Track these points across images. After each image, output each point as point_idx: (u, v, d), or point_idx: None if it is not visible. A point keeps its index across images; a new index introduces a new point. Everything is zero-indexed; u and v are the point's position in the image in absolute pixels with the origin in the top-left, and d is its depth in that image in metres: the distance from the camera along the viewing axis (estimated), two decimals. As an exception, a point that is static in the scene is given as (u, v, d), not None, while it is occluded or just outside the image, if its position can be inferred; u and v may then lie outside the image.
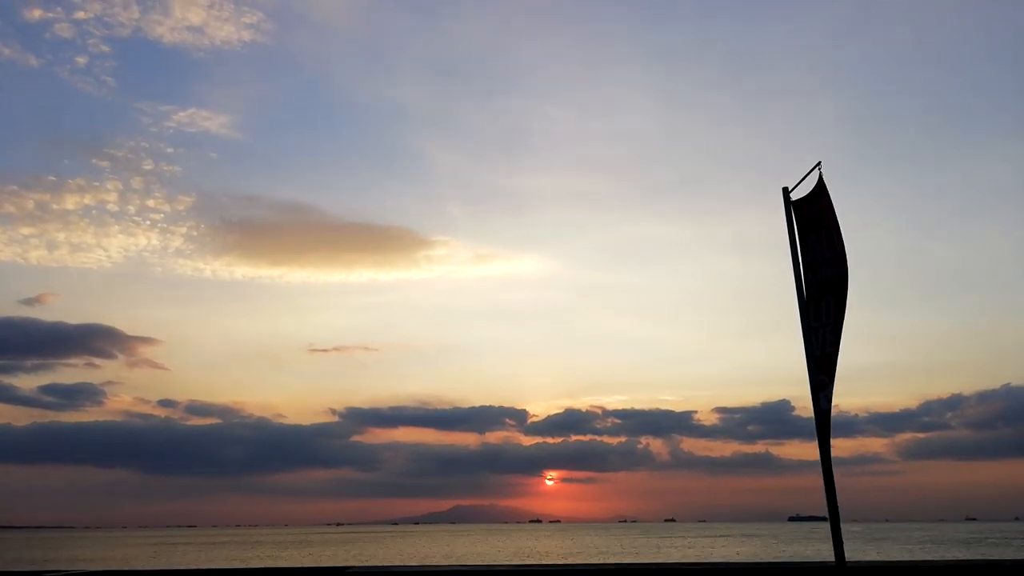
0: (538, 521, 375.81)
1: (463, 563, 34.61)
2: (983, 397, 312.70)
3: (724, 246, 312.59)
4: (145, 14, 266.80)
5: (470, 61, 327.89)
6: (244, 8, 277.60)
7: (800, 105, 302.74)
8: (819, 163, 6.39)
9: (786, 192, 6.78)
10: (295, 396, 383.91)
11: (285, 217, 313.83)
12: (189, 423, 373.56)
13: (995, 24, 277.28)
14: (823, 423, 6.23)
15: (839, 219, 6.29)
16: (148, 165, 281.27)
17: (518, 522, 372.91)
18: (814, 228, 6.44)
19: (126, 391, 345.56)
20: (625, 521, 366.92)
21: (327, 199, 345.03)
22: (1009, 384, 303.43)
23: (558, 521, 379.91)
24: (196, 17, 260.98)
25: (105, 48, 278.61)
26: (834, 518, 6.04)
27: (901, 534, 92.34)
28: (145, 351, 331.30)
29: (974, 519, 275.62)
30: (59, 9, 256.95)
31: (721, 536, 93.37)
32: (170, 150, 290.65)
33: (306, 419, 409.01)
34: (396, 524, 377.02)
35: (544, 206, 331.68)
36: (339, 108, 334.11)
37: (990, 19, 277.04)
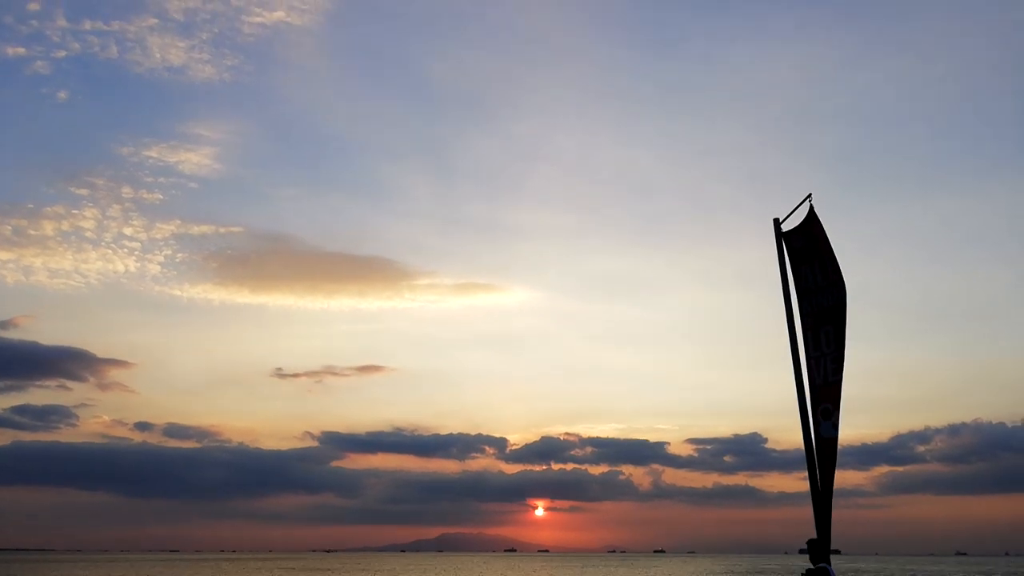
0: (546, 551, 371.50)
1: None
2: (954, 431, 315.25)
3: (703, 279, 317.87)
4: (124, 54, 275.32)
5: (454, 94, 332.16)
6: (224, 51, 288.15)
7: (795, 136, 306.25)
8: (809, 195, 6.55)
9: (777, 223, 6.90)
10: (270, 421, 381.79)
11: (265, 246, 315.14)
12: (168, 446, 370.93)
13: (999, 55, 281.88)
14: (826, 451, 6.30)
15: (836, 250, 6.43)
16: (128, 193, 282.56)
17: (507, 550, 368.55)
18: (806, 259, 6.55)
19: (99, 413, 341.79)
20: (615, 551, 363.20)
21: (308, 230, 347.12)
22: (979, 419, 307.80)
23: (546, 551, 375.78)
24: (176, 59, 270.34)
25: (85, 84, 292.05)
26: (824, 541, 6.11)
27: (924, 567, 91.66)
28: (117, 374, 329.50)
29: (964, 554, 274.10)
30: (39, 48, 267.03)
31: (732, 571, 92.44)
32: (149, 179, 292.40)
33: (283, 444, 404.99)
34: (383, 551, 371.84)
35: (525, 237, 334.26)
36: (320, 141, 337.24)
37: (994, 50, 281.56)
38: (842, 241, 6.36)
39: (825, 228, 6.46)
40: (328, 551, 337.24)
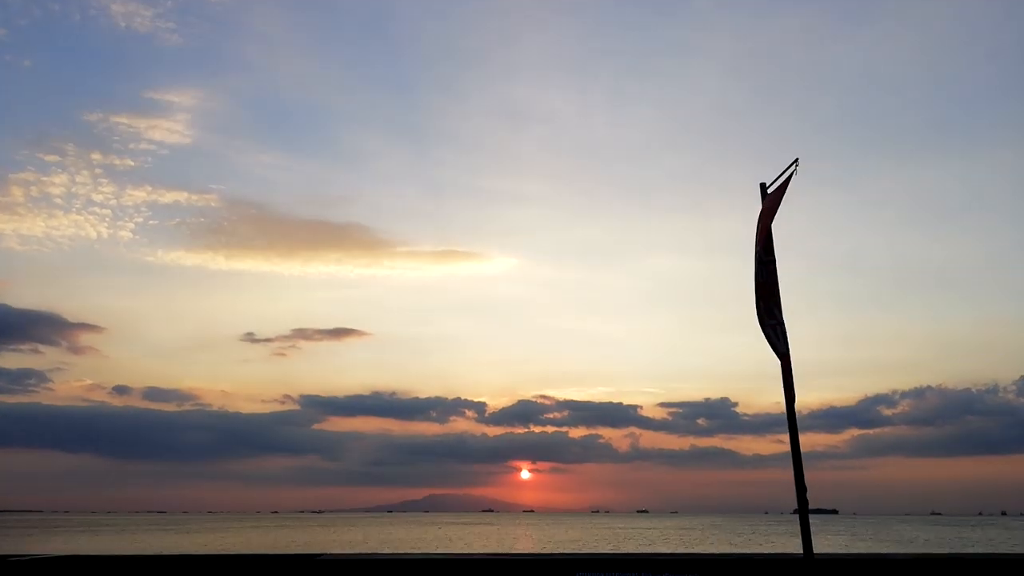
0: (531, 511, 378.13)
1: (441, 551, 34.63)
2: (919, 394, 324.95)
3: (678, 246, 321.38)
4: (87, 22, 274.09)
5: (430, 60, 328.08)
6: (191, 18, 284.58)
7: (783, 105, 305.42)
8: (796, 160, 6.42)
9: (763, 188, 6.80)
10: (246, 385, 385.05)
11: (239, 213, 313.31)
12: (150, 409, 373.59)
13: (990, 26, 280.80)
14: (792, 418, 6.30)
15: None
16: (97, 159, 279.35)
17: (484, 511, 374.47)
18: (764, 226, 6.52)
19: (74, 377, 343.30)
20: (598, 512, 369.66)
21: (283, 197, 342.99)
22: (943, 384, 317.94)
23: (532, 511, 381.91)
24: (141, 27, 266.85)
25: (50, 52, 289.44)
26: (803, 510, 6.13)
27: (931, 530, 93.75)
28: (88, 338, 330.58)
29: (939, 514, 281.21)
30: (1, 15, 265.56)
31: (742, 532, 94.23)
32: (119, 146, 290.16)
33: (263, 407, 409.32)
34: (370, 512, 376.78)
35: (505, 204, 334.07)
36: (294, 107, 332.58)
37: (986, 21, 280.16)
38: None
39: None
40: (319, 511, 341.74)
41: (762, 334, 6.26)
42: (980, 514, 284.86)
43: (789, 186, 6.34)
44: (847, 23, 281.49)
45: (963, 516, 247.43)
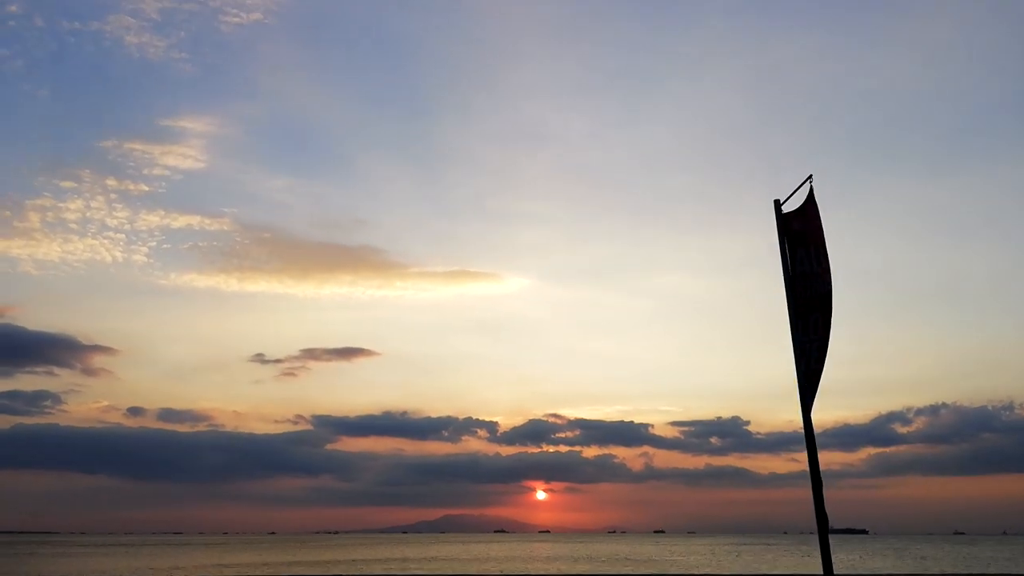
0: (547, 532, 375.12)
1: (457, 572, 34.43)
2: (934, 411, 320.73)
3: (687, 265, 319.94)
4: (102, 53, 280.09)
5: (440, 82, 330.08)
6: (204, 48, 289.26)
7: (794, 123, 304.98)
8: (810, 176, 6.43)
9: (777, 205, 6.80)
10: (257, 406, 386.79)
11: (251, 237, 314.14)
12: (164, 430, 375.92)
13: (998, 42, 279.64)
14: (810, 434, 6.26)
15: (829, 235, 6.35)
16: (112, 184, 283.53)
17: (496, 531, 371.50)
18: (802, 242, 6.47)
19: (88, 398, 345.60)
20: (615, 532, 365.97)
21: (295, 221, 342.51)
22: (958, 401, 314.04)
23: (547, 531, 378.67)
24: (154, 56, 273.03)
25: (65, 83, 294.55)
26: (822, 528, 6.08)
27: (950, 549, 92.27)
28: (102, 360, 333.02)
29: (962, 533, 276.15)
30: (18, 47, 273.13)
31: (768, 551, 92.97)
32: (133, 172, 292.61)
33: (276, 428, 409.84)
34: (385, 533, 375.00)
35: (517, 225, 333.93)
36: (305, 132, 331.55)
37: (996, 37, 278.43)
38: (826, 225, 6.33)
39: (822, 212, 6.39)
40: (334, 532, 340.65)
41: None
42: (1004, 533, 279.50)
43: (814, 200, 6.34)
44: (859, 42, 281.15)
45: (987, 535, 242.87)
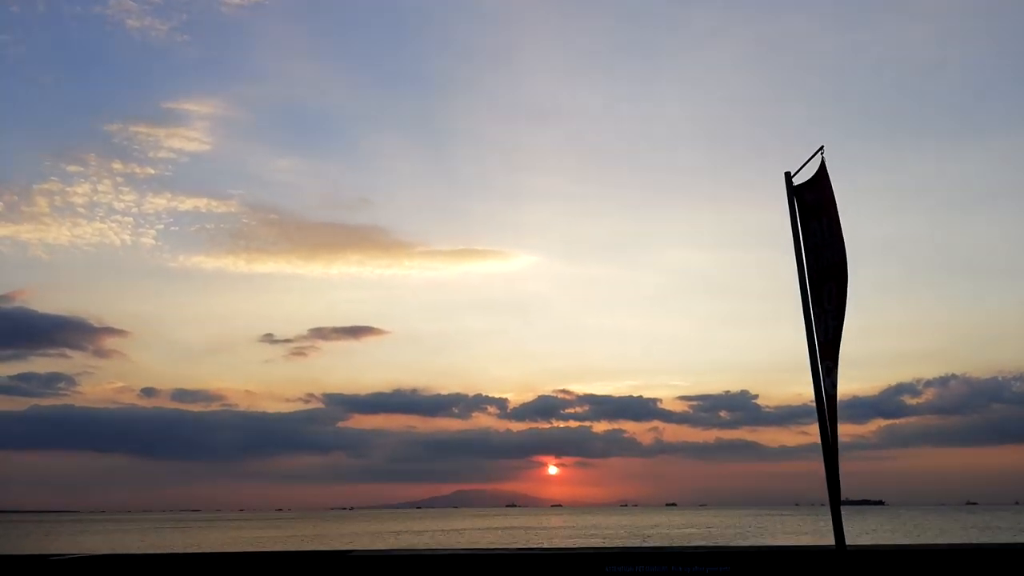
0: (559, 506, 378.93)
1: (469, 547, 34.82)
2: (943, 383, 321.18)
3: (693, 240, 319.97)
4: (104, 38, 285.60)
5: (444, 60, 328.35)
6: (205, 29, 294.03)
7: (803, 95, 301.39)
8: (821, 148, 6.35)
9: (788, 177, 6.73)
10: (268, 384, 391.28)
11: (259, 218, 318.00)
12: (179, 409, 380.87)
13: (1010, 14, 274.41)
14: (830, 407, 6.23)
15: (840, 205, 6.28)
16: (118, 168, 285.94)
17: (507, 505, 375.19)
18: (815, 214, 6.41)
19: (101, 380, 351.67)
20: (627, 505, 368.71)
21: (302, 202, 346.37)
22: (967, 373, 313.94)
23: (559, 505, 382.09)
24: (157, 40, 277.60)
25: (69, 67, 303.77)
26: (835, 502, 6.07)
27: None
28: (114, 343, 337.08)
29: (975, 503, 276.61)
30: (21, 32, 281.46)
31: (781, 522, 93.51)
32: (139, 155, 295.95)
33: (287, 407, 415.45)
34: (398, 508, 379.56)
35: (524, 201, 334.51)
36: (310, 113, 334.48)
37: (1005, 8, 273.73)
38: (841, 197, 6.26)
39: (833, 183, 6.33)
40: (350, 508, 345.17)
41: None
42: (1017, 503, 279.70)
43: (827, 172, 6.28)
44: (870, 12, 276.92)
45: (1000, 505, 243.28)
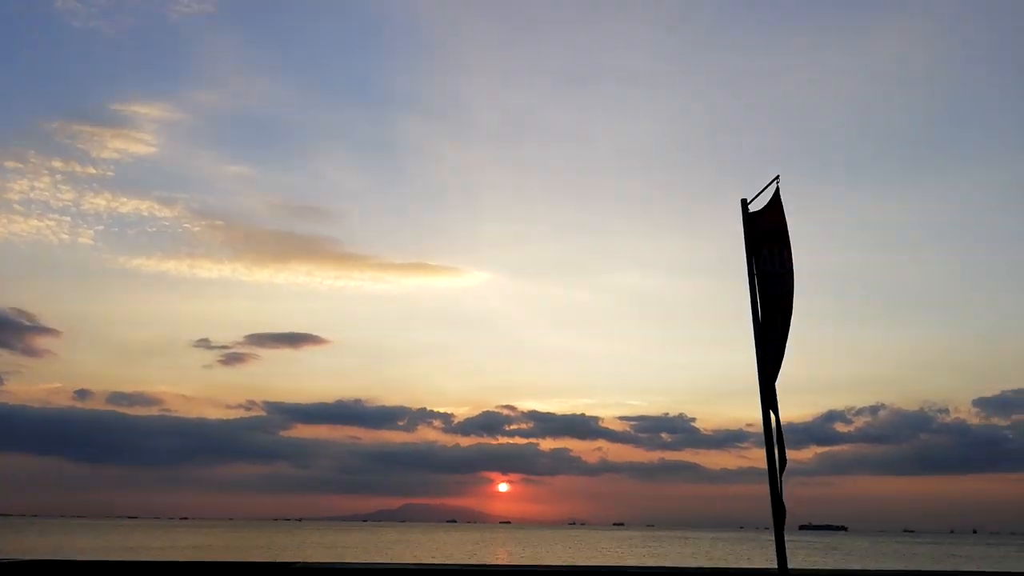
0: (508, 523, 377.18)
1: (418, 561, 34.39)
2: (873, 411, 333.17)
3: (638, 264, 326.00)
4: (47, 36, 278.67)
5: (399, 72, 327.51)
6: (155, 33, 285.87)
7: (763, 122, 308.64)
8: (777, 177, 6.52)
9: (744, 204, 6.87)
10: (208, 389, 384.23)
11: (203, 223, 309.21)
12: (114, 412, 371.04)
13: (982, 46, 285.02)
14: (778, 432, 6.34)
15: (794, 237, 6.45)
16: (59, 166, 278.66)
17: (448, 521, 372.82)
18: (767, 242, 6.55)
19: (33, 380, 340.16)
20: (575, 524, 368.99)
21: (250, 208, 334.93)
22: (894, 403, 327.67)
23: (508, 523, 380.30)
24: (106, 41, 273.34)
25: (11, 63, 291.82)
26: (778, 525, 6.18)
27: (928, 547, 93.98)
28: (45, 342, 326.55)
29: (911, 531, 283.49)
30: None
31: (733, 546, 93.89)
32: (81, 155, 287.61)
33: (228, 414, 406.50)
34: (345, 521, 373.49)
35: (476, 219, 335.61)
36: (259, 121, 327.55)
37: (979, 40, 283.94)
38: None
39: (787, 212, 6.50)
40: (298, 519, 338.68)
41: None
42: (952, 532, 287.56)
43: (779, 200, 6.43)
44: (843, 43, 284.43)
45: (936, 535, 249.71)
